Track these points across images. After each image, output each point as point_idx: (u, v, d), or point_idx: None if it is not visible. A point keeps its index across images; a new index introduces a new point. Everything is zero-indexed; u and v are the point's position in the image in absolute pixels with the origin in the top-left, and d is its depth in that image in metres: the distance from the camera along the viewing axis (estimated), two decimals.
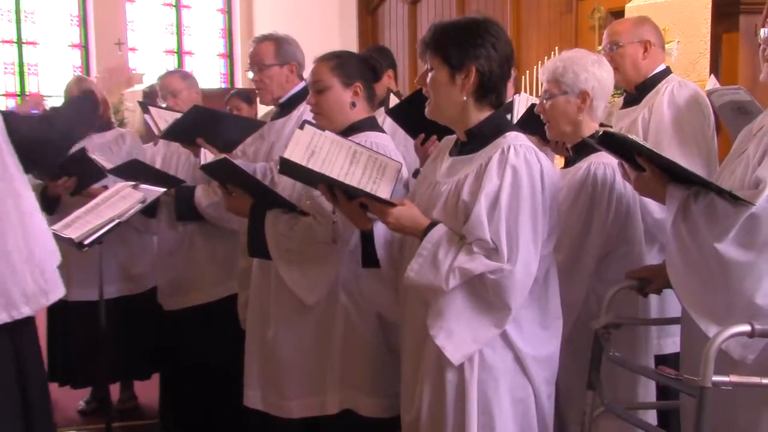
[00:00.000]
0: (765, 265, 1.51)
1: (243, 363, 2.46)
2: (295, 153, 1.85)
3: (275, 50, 2.80)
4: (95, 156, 3.14)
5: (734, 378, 1.47)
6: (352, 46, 9.35)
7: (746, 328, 1.48)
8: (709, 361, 1.47)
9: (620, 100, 2.91)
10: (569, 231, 2.11)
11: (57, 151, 2.48)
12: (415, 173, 2.58)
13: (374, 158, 1.93)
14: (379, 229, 1.98)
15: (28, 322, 2.41)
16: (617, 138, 1.72)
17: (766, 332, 1.48)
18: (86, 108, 2.60)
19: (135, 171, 2.98)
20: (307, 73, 2.44)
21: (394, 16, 9.68)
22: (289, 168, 1.88)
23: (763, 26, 1.68)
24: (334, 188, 1.89)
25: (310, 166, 1.83)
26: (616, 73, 2.69)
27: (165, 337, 3.27)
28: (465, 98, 1.82)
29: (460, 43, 1.81)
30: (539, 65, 5.39)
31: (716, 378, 1.47)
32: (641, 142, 1.71)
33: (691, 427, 1.54)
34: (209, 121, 2.72)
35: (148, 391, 3.70)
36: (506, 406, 1.79)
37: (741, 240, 1.53)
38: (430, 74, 1.86)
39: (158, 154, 3.35)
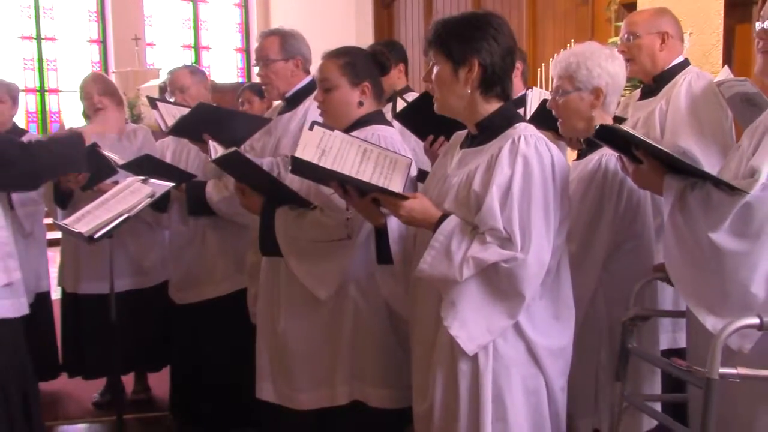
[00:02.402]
0: (760, 254, 1.51)
1: (253, 356, 2.46)
2: (306, 152, 1.86)
3: (280, 45, 2.79)
4: (106, 152, 3.15)
5: (742, 370, 1.47)
6: (368, 39, 9.34)
7: (755, 320, 1.47)
8: (716, 353, 1.47)
9: (638, 92, 2.86)
10: (579, 222, 2.10)
11: (27, 182, 2.45)
12: (421, 176, 2.55)
13: (384, 155, 1.94)
14: (393, 224, 1.98)
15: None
16: (615, 131, 1.71)
17: None
18: (72, 151, 2.51)
19: (146, 166, 2.99)
20: (314, 67, 2.42)
21: (409, 10, 9.65)
22: (300, 166, 1.89)
23: (758, 20, 1.65)
24: (346, 185, 1.90)
25: (321, 164, 1.84)
26: (633, 65, 2.66)
27: (176, 330, 3.29)
28: (469, 92, 1.82)
29: (461, 38, 1.81)
30: (555, 58, 5.32)
31: (723, 370, 1.47)
32: (638, 135, 1.71)
33: (698, 418, 1.54)
34: (215, 118, 2.72)
35: (162, 382, 3.72)
36: (518, 396, 1.79)
37: (735, 229, 1.53)
38: (434, 70, 1.86)
39: (168, 149, 3.36)
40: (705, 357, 1.51)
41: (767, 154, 1.51)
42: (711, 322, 1.58)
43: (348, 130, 2.22)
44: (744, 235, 1.51)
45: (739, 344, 1.54)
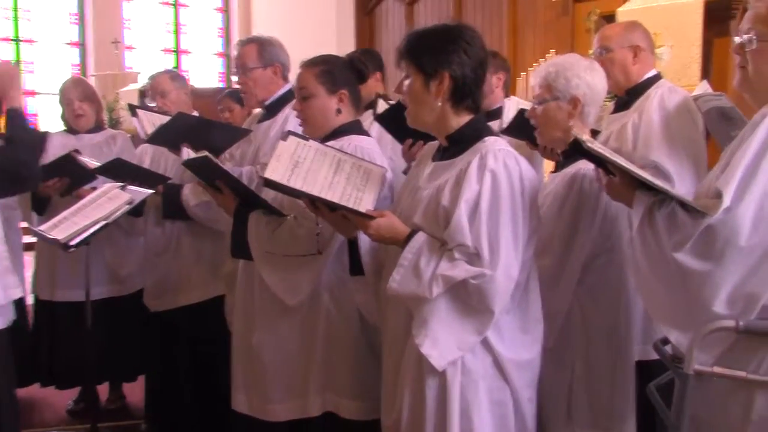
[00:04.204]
0: (722, 275, 1.53)
1: (229, 364, 2.46)
2: (278, 168, 1.86)
3: (258, 53, 2.79)
4: (83, 157, 3.13)
5: (717, 369, 1.52)
6: (350, 46, 9.37)
7: (731, 323, 1.51)
8: (693, 350, 1.52)
9: (611, 105, 2.90)
10: (556, 235, 2.11)
11: (31, 168, 2.41)
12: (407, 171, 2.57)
13: (358, 165, 1.94)
14: (364, 237, 1.98)
15: None
16: (585, 147, 1.73)
17: (750, 328, 1.50)
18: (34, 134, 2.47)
19: (120, 170, 2.97)
20: (294, 76, 2.44)
21: (391, 17, 9.69)
22: (271, 185, 1.90)
23: (737, 35, 1.69)
24: (316, 202, 1.90)
25: (291, 183, 1.85)
26: (606, 78, 2.69)
27: (151, 337, 3.27)
28: (440, 104, 1.83)
29: (432, 50, 1.81)
30: (535, 67, 5.38)
31: (699, 367, 1.52)
32: (602, 151, 1.73)
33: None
34: (194, 128, 2.72)
35: (137, 390, 3.69)
36: (485, 409, 1.80)
37: (698, 250, 1.55)
38: (406, 82, 1.87)
39: (146, 154, 3.35)
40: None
41: (732, 177, 1.52)
42: (674, 336, 1.61)
43: (326, 139, 2.23)
44: (706, 256, 1.54)
45: (704, 360, 1.57)
